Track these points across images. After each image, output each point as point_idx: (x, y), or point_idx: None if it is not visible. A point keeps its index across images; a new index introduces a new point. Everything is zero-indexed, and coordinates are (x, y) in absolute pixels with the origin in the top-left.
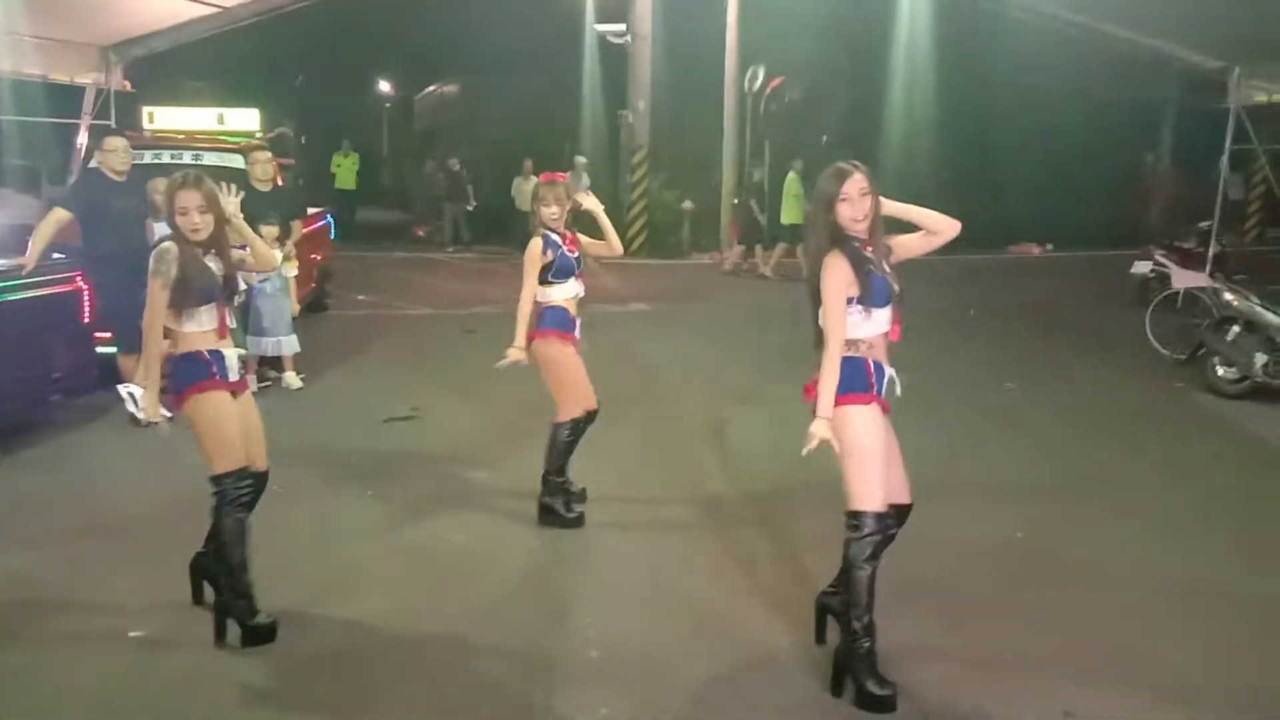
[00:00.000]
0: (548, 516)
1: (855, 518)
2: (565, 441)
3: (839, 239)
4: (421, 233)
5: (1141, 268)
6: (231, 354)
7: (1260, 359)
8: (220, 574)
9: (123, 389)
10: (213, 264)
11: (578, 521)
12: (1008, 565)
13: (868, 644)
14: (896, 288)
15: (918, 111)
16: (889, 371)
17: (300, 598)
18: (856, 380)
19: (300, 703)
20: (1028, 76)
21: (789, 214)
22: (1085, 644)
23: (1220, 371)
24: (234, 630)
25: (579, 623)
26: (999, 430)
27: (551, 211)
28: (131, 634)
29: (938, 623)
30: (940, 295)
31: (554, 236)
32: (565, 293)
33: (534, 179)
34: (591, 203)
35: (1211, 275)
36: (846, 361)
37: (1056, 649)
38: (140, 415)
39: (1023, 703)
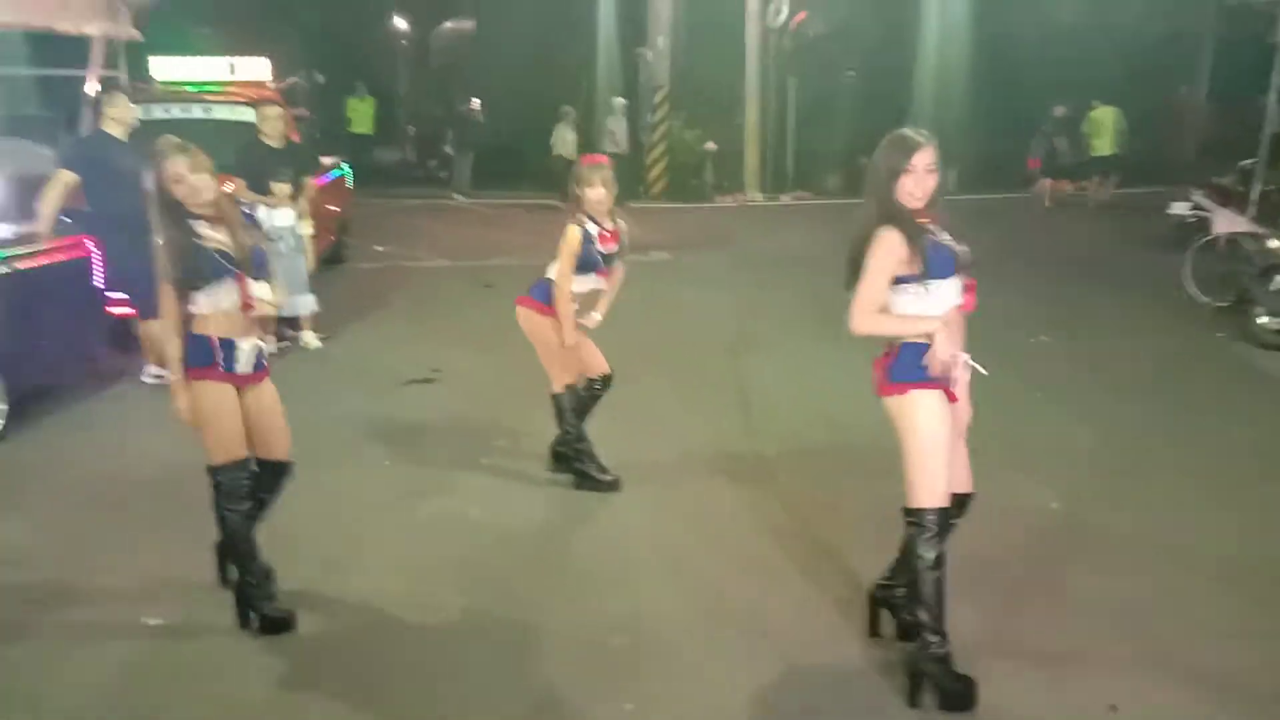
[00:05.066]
0: (583, 481)
1: (916, 515)
2: (570, 409)
3: (895, 214)
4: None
5: (1179, 209)
6: (247, 345)
7: None
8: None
9: (149, 377)
10: (218, 234)
11: (614, 485)
12: (1045, 541)
13: (944, 648)
14: (962, 254)
15: (945, 46)
16: (963, 356)
17: (312, 574)
18: (921, 364)
19: (318, 690)
20: (1059, 8)
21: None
22: (1127, 629)
23: (1263, 321)
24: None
25: (601, 605)
26: (1030, 388)
27: (599, 195)
28: (148, 621)
29: (970, 608)
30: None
31: (592, 228)
32: (580, 286)
33: (572, 133)
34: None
35: (1255, 220)
36: (911, 346)
37: (1096, 635)
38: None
39: (1062, 696)
